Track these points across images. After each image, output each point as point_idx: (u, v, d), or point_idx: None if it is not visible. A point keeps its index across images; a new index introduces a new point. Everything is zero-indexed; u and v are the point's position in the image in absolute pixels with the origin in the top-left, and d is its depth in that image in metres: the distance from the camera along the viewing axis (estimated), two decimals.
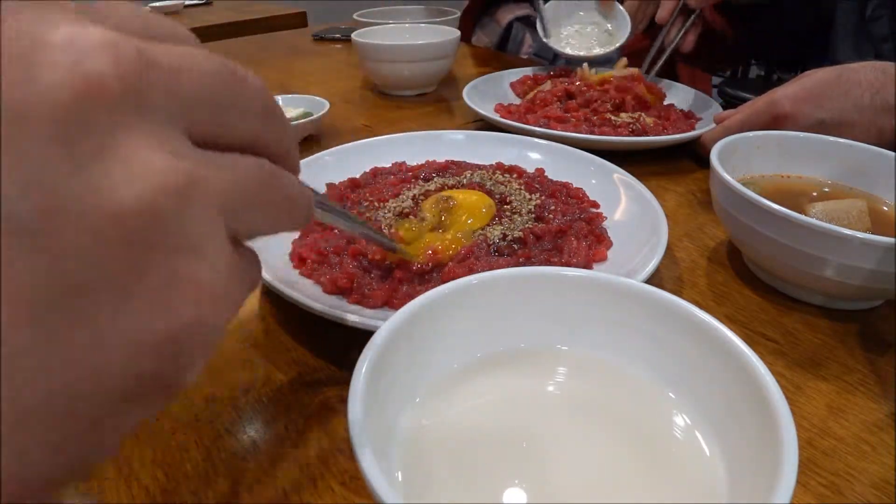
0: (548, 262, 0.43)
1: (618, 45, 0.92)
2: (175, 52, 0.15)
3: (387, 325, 0.27)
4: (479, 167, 0.58)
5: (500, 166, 0.59)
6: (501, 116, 0.75)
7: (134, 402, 0.15)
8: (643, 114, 0.75)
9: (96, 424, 0.15)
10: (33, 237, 0.12)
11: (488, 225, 0.47)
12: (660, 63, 0.87)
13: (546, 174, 0.59)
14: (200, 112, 0.16)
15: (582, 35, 0.95)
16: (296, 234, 0.48)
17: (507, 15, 1.30)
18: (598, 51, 0.92)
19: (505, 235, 0.45)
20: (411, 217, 0.48)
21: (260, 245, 0.21)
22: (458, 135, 0.66)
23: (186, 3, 2.05)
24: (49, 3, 0.14)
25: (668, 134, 0.71)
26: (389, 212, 0.49)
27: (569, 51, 0.92)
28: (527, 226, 0.47)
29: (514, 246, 0.45)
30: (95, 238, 0.13)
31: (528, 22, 1.29)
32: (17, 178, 0.12)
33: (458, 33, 0.96)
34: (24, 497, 0.14)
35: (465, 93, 0.82)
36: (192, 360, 0.16)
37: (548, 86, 0.85)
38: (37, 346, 0.13)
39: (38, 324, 0.13)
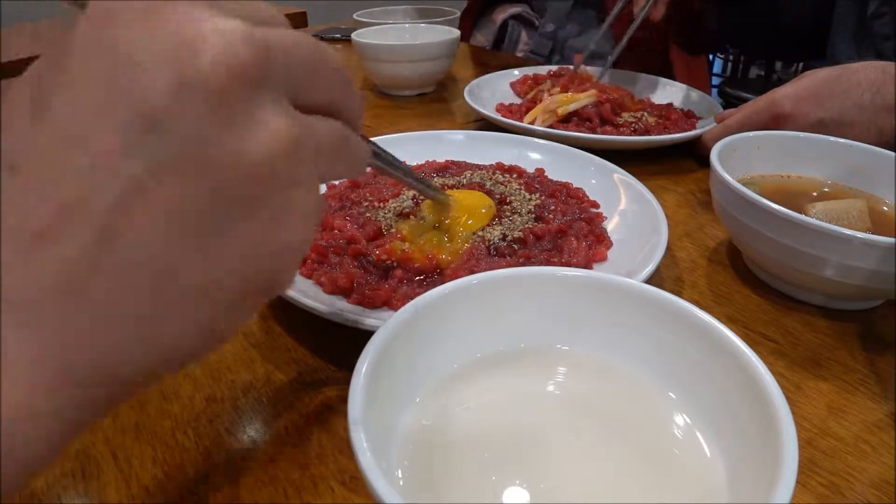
0: (548, 262, 0.43)
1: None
2: (281, 36, 0.19)
3: (387, 325, 0.27)
4: (479, 167, 0.58)
5: (500, 166, 0.59)
6: (502, 116, 0.75)
7: (253, 296, 0.21)
8: (646, 113, 0.75)
9: (229, 310, 0.20)
10: (196, 174, 0.18)
11: (488, 225, 0.47)
12: (630, 32, 0.84)
13: (546, 174, 0.59)
14: (300, 84, 0.21)
15: None
16: None
17: (501, 14, 1.30)
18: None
19: (505, 236, 0.45)
20: (411, 217, 0.48)
21: None
22: (458, 135, 0.66)
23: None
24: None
25: (669, 133, 0.71)
26: (390, 212, 0.49)
27: None
28: (527, 226, 0.47)
29: (515, 246, 0.45)
30: (240, 177, 0.18)
31: (523, 20, 1.29)
32: (185, 130, 0.17)
33: (458, 33, 0.96)
34: (169, 368, 0.20)
35: (465, 93, 0.82)
36: (293, 268, 0.22)
37: (548, 85, 0.85)
38: (194, 248, 0.18)
39: (195, 232, 0.18)
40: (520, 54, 1.27)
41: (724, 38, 1.07)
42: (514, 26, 1.29)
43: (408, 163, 0.60)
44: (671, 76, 0.97)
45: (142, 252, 0.17)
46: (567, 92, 0.78)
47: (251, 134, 0.18)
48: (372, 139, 0.29)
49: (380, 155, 0.33)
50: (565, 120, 0.74)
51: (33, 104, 0.18)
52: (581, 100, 0.73)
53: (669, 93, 0.86)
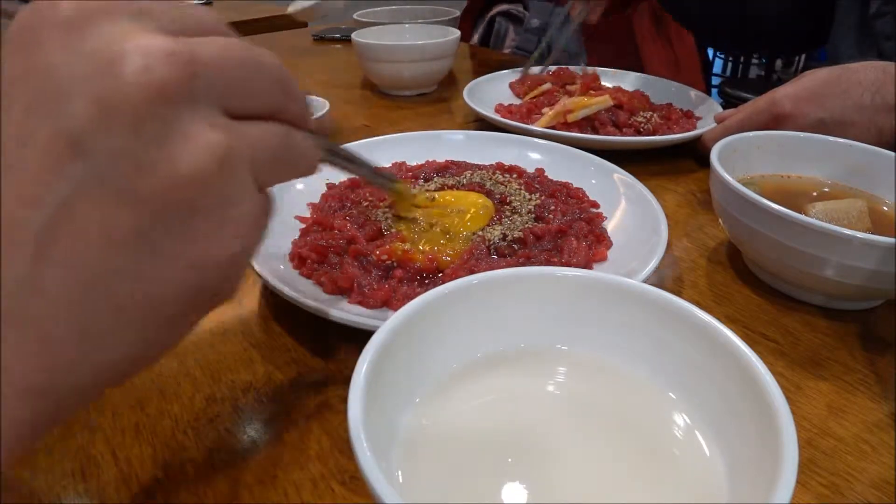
0: (548, 262, 0.43)
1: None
2: (210, 46, 0.19)
3: (387, 325, 0.27)
4: (479, 167, 0.58)
5: (500, 166, 0.59)
6: (502, 116, 0.75)
7: (197, 308, 0.22)
8: (655, 114, 0.74)
9: (172, 323, 0.21)
10: (124, 193, 0.18)
11: (488, 225, 0.47)
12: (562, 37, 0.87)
13: (546, 174, 0.59)
14: (230, 93, 0.20)
15: None
16: (296, 235, 0.48)
17: (494, 10, 1.31)
18: None
19: (505, 235, 0.45)
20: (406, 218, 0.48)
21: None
22: (458, 135, 0.66)
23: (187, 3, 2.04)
24: (121, 9, 0.18)
25: (669, 133, 0.71)
26: (389, 211, 0.49)
27: None
28: (527, 226, 0.47)
29: (515, 246, 0.45)
30: (167, 194, 0.18)
31: (510, 16, 1.29)
32: (108, 151, 0.17)
33: (458, 33, 0.96)
34: (114, 382, 0.21)
35: (465, 93, 0.82)
36: (237, 277, 0.23)
37: (548, 86, 0.85)
38: (131, 268, 0.18)
39: (130, 252, 0.18)
40: (507, 50, 1.27)
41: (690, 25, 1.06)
42: (502, 23, 1.29)
43: (408, 163, 0.60)
44: (640, 66, 0.99)
45: (76, 273, 0.18)
46: (586, 93, 0.77)
47: (178, 150, 0.18)
48: (326, 138, 0.29)
49: (335, 152, 0.31)
50: None
51: None
52: (593, 106, 0.73)
53: (669, 93, 0.86)
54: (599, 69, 0.90)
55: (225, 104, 0.20)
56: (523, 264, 0.43)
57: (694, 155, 0.70)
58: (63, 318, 0.18)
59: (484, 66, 1.10)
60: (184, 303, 0.21)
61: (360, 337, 0.27)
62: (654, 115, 0.74)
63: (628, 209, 0.52)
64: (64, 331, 0.18)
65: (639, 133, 0.71)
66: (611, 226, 0.51)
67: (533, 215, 0.49)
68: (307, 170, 0.25)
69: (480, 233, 0.46)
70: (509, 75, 0.93)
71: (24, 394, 0.18)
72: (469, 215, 0.47)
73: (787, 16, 0.92)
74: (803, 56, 2.71)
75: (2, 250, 0.17)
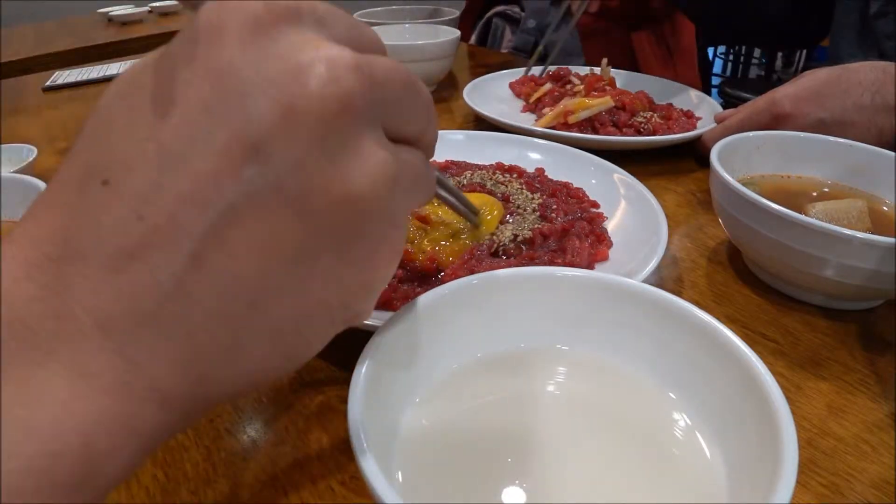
0: (551, 263, 0.43)
1: None
2: (381, 65, 0.19)
3: (387, 325, 0.27)
4: (479, 167, 0.58)
5: (500, 166, 0.58)
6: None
7: (336, 326, 0.21)
8: (655, 115, 0.74)
9: (311, 342, 0.21)
10: (297, 205, 0.17)
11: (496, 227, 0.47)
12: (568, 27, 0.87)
13: (546, 174, 0.58)
14: (394, 113, 0.20)
15: None
16: None
17: (492, 11, 1.31)
18: None
19: (515, 236, 0.45)
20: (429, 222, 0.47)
21: None
22: (458, 135, 0.66)
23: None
24: (306, 13, 0.18)
25: (669, 133, 0.71)
26: None
27: None
28: (536, 226, 0.47)
29: (522, 246, 0.45)
30: (339, 210, 0.18)
31: (507, 17, 1.29)
32: (288, 159, 0.17)
33: (458, 33, 0.96)
34: (243, 394, 0.21)
35: (465, 93, 0.82)
36: (375, 299, 0.22)
37: (548, 87, 0.85)
38: (290, 284, 0.18)
39: (293, 268, 0.18)
40: (504, 51, 1.27)
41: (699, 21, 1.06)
42: (498, 23, 1.30)
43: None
44: (636, 65, 0.99)
45: (233, 282, 0.17)
46: (589, 95, 0.77)
47: (354, 166, 0.18)
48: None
49: (442, 182, 0.32)
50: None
51: (133, 116, 0.17)
52: (594, 107, 0.73)
53: (669, 93, 0.86)
54: (596, 68, 0.90)
55: (386, 124, 0.20)
56: (526, 264, 0.42)
57: (694, 155, 0.70)
58: (214, 329, 0.17)
59: (483, 66, 1.10)
60: (329, 322, 0.20)
61: (360, 337, 0.27)
62: (655, 115, 0.74)
63: (628, 209, 0.52)
64: (212, 342, 0.17)
65: (639, 133, 0.71)
66: (611, 226, 0.51)
67: (538, 214, 0.49)
68: (428, 200, 0.25)
69: (489, 236, 0.45)
70: (509, 75, 0.93)
71: (159, 398, 0.17)
72: (489, 216, 0.47)
73: (787, 9, 0.92)
74: (803, 56, 2.72)
75: (156, 251, 0.16)
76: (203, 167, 0.16)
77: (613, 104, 0.73)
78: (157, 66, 0.18)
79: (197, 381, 0.18)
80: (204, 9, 0.18)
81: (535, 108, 0.83)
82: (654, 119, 0.73)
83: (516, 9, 1.30)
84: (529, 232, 0.45)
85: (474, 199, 0.49)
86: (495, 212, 0.48)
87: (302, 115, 0.17)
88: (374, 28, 1.10)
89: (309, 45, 0.17)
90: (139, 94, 0.17)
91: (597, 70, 0.86)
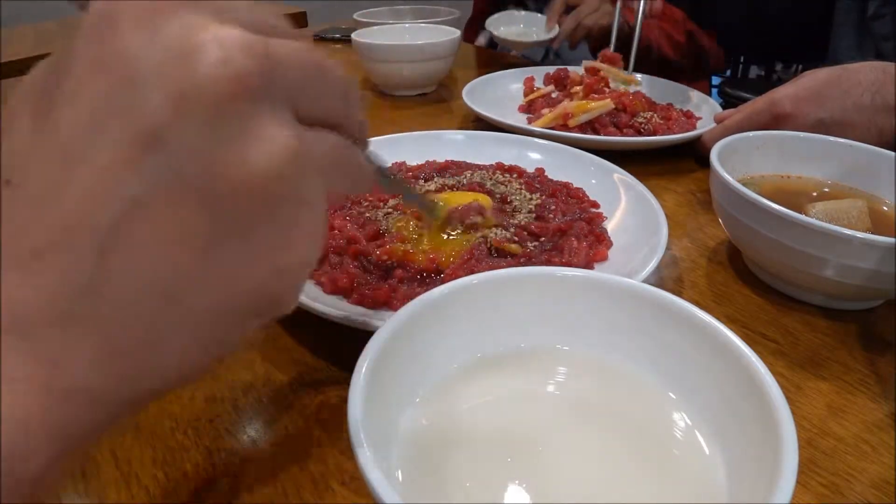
0: (548, 263, 0.43)
1: (550, 36, 1.04)
2: (284, 46, 0.18)
3: (387, 325, 0.27)
4: (479, 167, 0.58)
5: (500, 166, 0.59)
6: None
7: (259, 315, 0.20)
8: (655, 115, 0.74)
9: (232, 331, 0.20)
10: (201, 191, 0.17)
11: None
12: (635, 37, 0.86)
13: (546, 174, 0.59)
14: (301, 96, 0.20)
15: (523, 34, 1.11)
16: None
17: None
18: (534, 38, 1.06)
19: (508, 237, 0.45)
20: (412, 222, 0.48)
21: None
22: (458, 135, 0.66)
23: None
24: (198, 6, 0.17)
25: (669, 133, 0.71)
26: (390, 211, 0.49)
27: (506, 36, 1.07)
28: (523, 222, 0.47)
29: (513, 245, 0.45)
30: (243, 194, 0.17)
31: None
32: (185, 146, 0.16)
33: (457, 33, 0.96)
34: (167, 390, 0.20)
35: (464, 93, 0.82)
36: (300, 285, 0.21)
37: (550, 88, 0.85)
38: (202, 273, 0.18)
39: (203, 256, 0.17)
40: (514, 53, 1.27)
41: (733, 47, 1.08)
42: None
43: (408, 163, 0.60)
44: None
45: (143, 275, 0.17)
46: (588, 97, 0.77)
47: (253, 148, 0.17)
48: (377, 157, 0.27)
49: (385, 174, 0.31)
50: None
51: (34, 115, 0.17)
52: (593, 110, 0.72)
53: (669, 93, 0.86)
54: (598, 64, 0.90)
55: (294, 105, 0.19)
56: (524, 264, 0.43)
57: (694, 155, 0.70)
58: (129, 324, 0.17)
59: (485, 67, 1.10)
60: (249, 311, 0.20)
61: (360, 337, 0.27)
62: (655, 115, 0.74)
63: (628, 209, 0.52)
64: (128, 337, 0.17)
65: (639, 133, 0.71)
66: (611, 226, 0.51)
67: (533, 214, 0.49)
68: (363, 187, 0.25)
69: (481, 236, 0.46)
70: (509, 75, 0.93)
71: (80, 397, 0.17)
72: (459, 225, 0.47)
73: (787, 21, 0.93)
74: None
75: (64, 249, 0.16)
76: (102, 161, 0.16)
77: (614, 106, 0.73)
78: (55, 64, 0.18)
79: (119, 378, 0.18)
80: (94, 2, 0.17)
81: (528, 108, 0.83)
82: (654, 119, 0.73)
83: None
84: (513, 231, 0.45)
85: (466, 198, 0.49)
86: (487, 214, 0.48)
87: (193, 99, 0.16)
88: (374, 28, 1.11)
89: (199, 28, 0.17)
90: (39, 94, 0.17)
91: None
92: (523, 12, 1.15)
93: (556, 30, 1.04)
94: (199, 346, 0.19)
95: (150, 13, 0.17)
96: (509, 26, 1.11)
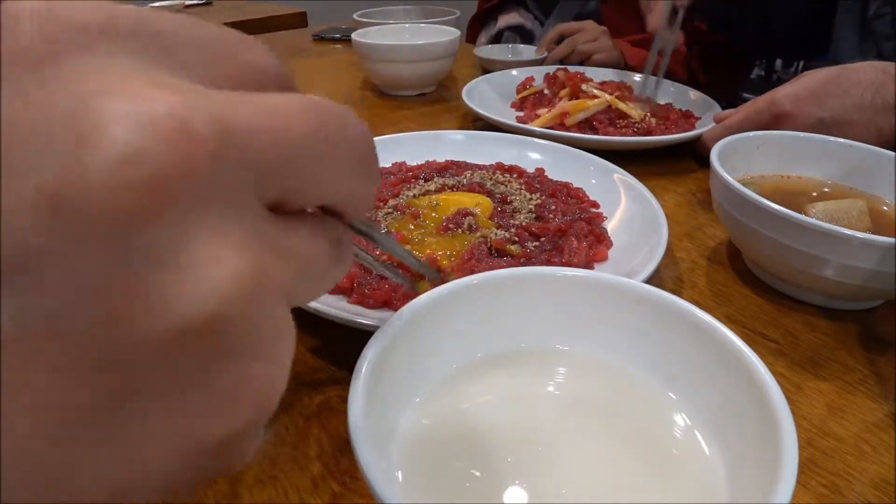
0: (548, 262, 0.43)
1: (539, 57, 1.05)
2: (257, 107, 0.13)
3: (387, 325, 0.27)
4: (479, 167, 0.58)
5: (500, 166, 0.59)
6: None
7: (188, 487, 0.15)
8: (648, 114, 0.75)
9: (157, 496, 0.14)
10: (85, 347, 0.11)
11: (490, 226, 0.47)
12: (664, 67, 0.86)
13: (546, 174, 0.59)
14: (279, 177, 0.14)
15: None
16: None
17: (503, 21, 1.31)
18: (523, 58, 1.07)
19: (508, 237, 0.45)
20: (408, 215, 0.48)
21: None
22: (458, 135, 0.66)
23: (187, 3, 2.05)
24: (123, 30, 0.12)
25: (669, 133, 0.71)
26: (391, 209, 0.49)
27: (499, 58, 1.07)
28: (524, 222, 0.47)
29: (513, 247, 0.45)
30: (156, 350, 0.12)
31: (521, 31, 1.30)
32: (70, 283, 0.11)
33: (458, 33, 0.96)
34: None
35: (464, 93, 0.82)
36: (249, 449, 0.15)
37: (542, 86, 0.86)
38: (93, 453, 0.12)
39: (91, 432, 0.12)
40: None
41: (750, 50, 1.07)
42: (510, 36, 1.30)
43: (408, 163, 0.60)
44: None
45: (16, 453, 0.11)
46: (576, 97, 0.78)
47: (169, 287, 0.12)
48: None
49: (377, 239, 0.24)
50: None
51: None
52: (590, 108, 0.73)
53: (669, 93, 0.86)
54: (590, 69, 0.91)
55: (266, 191, 0.14)
56: (524, 264, 0.42)
57: (694, 155, 0.70)
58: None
59: (484, 67, 1.10)
60: (167, 487, 0.14)
61: (360, 337, 0.27)
62: (647, 114, 0.75)
63: (628, 209, 0.52)
64: None
65: (636, 133, 0.72)
66: (611, 226, 0.51)
67: (533, 214, 0.49)
68: (335, 283, 0.18)
69: (481, 235, 0.46)
70: (509, 75, 0.94)
71: None
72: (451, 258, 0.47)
73: (789, 22, 0.93)
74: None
75: None
76: None
77: (609, 103, 0.73)
78: None
79: None
80: None
81: (520, 105, 0.85)
82: (647, 118, 0.73)
83: (528, 25, 1.30)
84: (513, 231, 0.45)
85: (467, 198, 0.50)
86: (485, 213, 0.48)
87: (80, 211, 0.11)
88: (374, 28, 1.11)
89: (107, 92, 0.11)
90: None
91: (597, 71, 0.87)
92: (510, 45, 1.17)
93: (545, 55, 1.05)
94: None
95: (50, 67, 0.11)
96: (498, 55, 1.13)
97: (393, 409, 0.26)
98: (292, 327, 0.15)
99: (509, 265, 0.41)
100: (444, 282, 0.31)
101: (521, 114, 0.82)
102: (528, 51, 1.10)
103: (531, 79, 0.91)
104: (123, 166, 0.11)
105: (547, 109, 0.77)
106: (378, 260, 0.29)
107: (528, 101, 0.84)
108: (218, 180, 0.12)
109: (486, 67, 1.05)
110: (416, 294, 0.28)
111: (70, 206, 0.11)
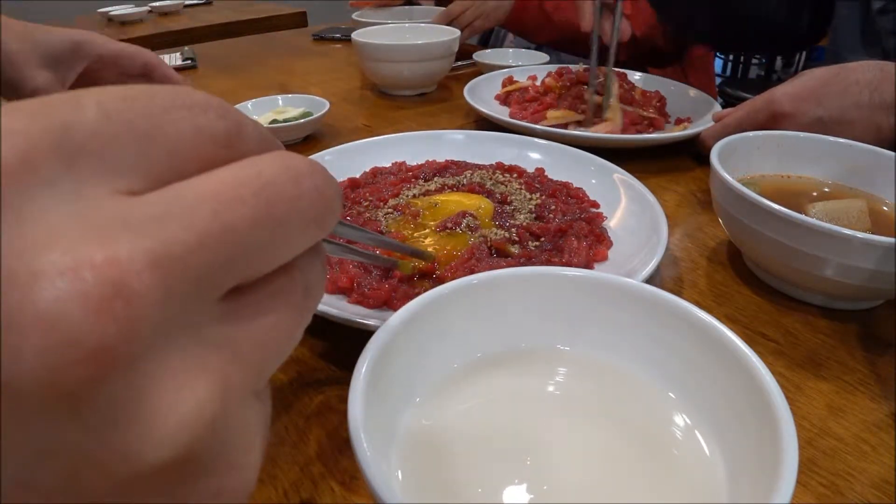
0: (548, 262, 0.43)
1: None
2: (191, 219, 0.12)
3: (387, 325, 0.27)
4: (479, 167, 0.58)
5: (500, 166, 0.59)
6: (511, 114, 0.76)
7: None
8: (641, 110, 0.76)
9: None
10: (60, 498, 0.11)
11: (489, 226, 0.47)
12: (611, 60, 0.83)
13: (546, 174, 0.59)
14: (229, 276, 0.13)
15: None
16: None
17: None
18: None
19: (508, 237, 0.45)
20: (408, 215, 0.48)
21: None
22: (458, 135, 0.66)
23: (186, 2, 2.05)
24: (38, 172, 0.11)
25: (668, 133, 0.71)
26: (390, 211, 0.49)
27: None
28: (524, 222, 0.47)
29: (513, 248, 0.45)
30: (127, 490, 0.12)
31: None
32: (27, 449, 0.11)
33: (457, 33, 0.96)
34: None
35: (465, 91, 0.82)
36: None
37: (527, 83, 0.87)
38: None
39: None
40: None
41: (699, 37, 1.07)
42: (499, 27, 1.30)
43: (408, 163, 0.60)
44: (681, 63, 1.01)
45: None
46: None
47: (131, 439, 0.11)
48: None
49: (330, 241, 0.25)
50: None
51: None
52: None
53: (669, 92, 0.86)
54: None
55: (220, 293, 0.13)
56: (524, 264, 0.42)
57: (694, 154, 0.70)
58: None
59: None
60: None
61: (360, 337, 0.27)
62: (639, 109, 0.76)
63: (628, 209, 0.52)
64: None
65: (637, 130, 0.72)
66: (611, 226, 0.51)
67: (533, 215, 0.49)
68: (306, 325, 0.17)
69: (480, 235, 0.46)
70: (510, 75, 0.94)
71: None
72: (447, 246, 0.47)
73: (781, 13, 0.92)
74: (803, 56, 2.72)
75: None
76: None
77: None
78: None
79: None
80: None
81: (504, 100, 0.86)
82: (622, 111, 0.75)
83: None
84: (515, 231, 0.45)
85: (468, 200, 0.49)
86: (486, 216, 0.48)
87: (22, 395, 0.10)
88: (374, 28, 1.11)
89: (31, 259, 0.10)
90: None
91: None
92: (511, 50, 1.17)
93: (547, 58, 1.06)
94: None
95: None
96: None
97: (393, 409, 0.26)
98: (264, 418, 0.15)
99: (509, 265, 0.42)
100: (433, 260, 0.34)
101: (510, 109, 0.82)
102: (525, 58, 1.10)
103: (533, 77, 0.91)
104: (61, 348, 0.10)
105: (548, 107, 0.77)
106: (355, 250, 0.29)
107: (513, 96, 0.85)
108: (167, 318, 0.12)
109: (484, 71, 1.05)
110: (413, 290, 0.29)
111: (11, 392, 0.10)
